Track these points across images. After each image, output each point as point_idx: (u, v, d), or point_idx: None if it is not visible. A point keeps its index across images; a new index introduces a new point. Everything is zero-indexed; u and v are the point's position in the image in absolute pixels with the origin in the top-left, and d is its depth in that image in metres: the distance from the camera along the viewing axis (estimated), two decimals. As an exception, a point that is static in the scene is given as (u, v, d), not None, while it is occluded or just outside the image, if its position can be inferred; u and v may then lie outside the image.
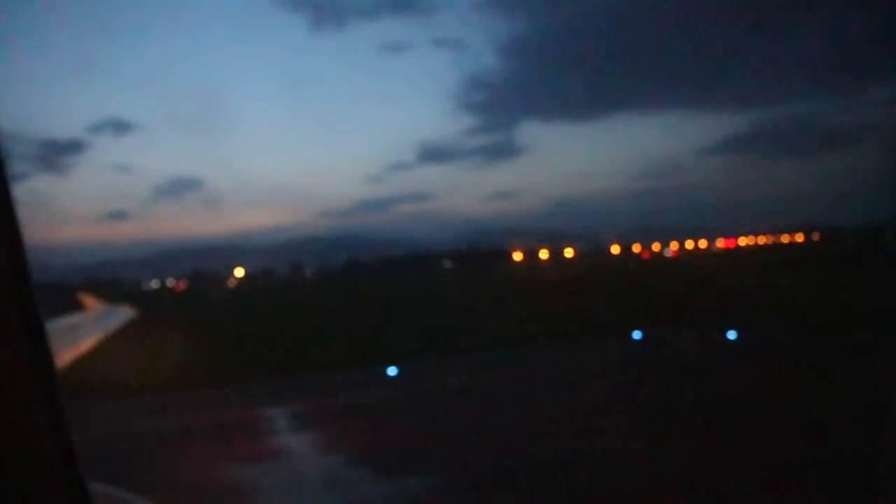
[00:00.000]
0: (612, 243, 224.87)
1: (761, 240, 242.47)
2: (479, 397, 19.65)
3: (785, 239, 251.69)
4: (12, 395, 0.87)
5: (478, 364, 24.34)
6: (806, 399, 15.68)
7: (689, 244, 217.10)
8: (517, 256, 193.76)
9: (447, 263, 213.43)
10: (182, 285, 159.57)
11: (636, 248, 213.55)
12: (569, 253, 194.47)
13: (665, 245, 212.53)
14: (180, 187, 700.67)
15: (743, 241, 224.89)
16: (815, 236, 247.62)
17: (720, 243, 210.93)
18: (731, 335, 23.02)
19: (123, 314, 20.24)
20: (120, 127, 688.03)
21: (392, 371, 22.93)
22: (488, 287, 71.90)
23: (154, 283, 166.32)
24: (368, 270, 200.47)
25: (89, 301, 20.39)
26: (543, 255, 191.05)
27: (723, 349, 24.31)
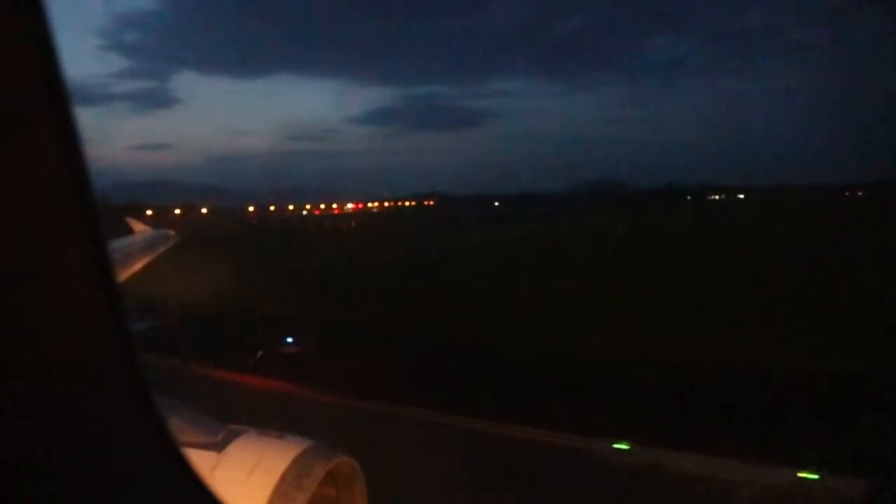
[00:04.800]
0: (254, 201, 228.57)
1: (386, 203, 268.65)
2: None
3: (407, 203, 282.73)
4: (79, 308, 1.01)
5: None
6: None
7: (325, 205, 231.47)
8: (149, 212, 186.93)
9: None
10: None
11: (272, 207, 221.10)
12: (204, 210, 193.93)
13: (301, 206, 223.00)
14: None
15: (372, 205, 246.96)
16: (431, 202, 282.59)
17: (351, 205, 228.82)
18: None
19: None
20: None
21: None
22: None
23: None
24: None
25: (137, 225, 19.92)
26: (177, 211, 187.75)
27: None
